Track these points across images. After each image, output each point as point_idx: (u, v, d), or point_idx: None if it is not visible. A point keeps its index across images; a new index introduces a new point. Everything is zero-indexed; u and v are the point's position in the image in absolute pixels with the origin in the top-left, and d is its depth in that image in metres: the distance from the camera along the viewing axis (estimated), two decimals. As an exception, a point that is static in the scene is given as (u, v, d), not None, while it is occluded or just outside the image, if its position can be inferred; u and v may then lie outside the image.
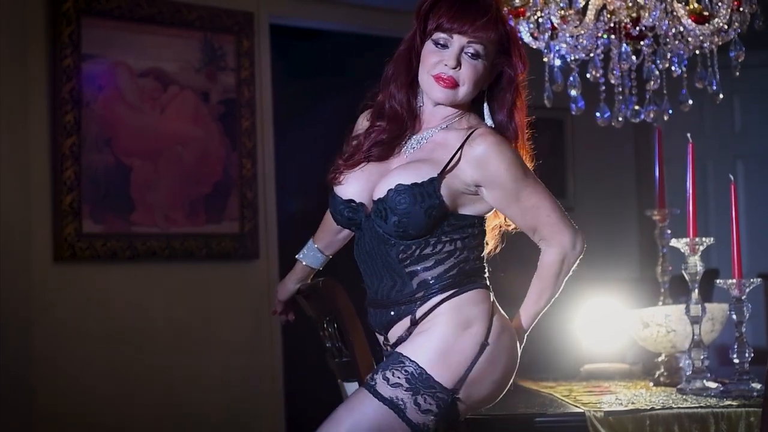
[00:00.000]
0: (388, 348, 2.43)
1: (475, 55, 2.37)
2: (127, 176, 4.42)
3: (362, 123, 2.55)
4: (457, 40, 2.37)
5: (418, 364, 2.28)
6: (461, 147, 2.36)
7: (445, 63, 2.37)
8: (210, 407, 4.59)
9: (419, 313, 2.36)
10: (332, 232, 2.74)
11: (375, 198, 2.37)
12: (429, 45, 2.40)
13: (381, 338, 2.46)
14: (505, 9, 3.11)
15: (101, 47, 4.38)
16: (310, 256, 2.78)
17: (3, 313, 4.04)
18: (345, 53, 5.83)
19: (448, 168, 2.35)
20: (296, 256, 2.81)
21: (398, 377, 2.28)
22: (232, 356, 4.67)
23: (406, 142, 2.45)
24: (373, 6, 5.18)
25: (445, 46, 2.38)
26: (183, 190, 4.58)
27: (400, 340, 2.38)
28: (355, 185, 2.43)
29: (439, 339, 2.31)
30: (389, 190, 2.33)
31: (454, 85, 2.38)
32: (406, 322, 2.38)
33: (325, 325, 2.81)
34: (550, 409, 2.62)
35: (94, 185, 4.32)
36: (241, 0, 4.82)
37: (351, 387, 2.79)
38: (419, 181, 2.33)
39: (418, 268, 2.35)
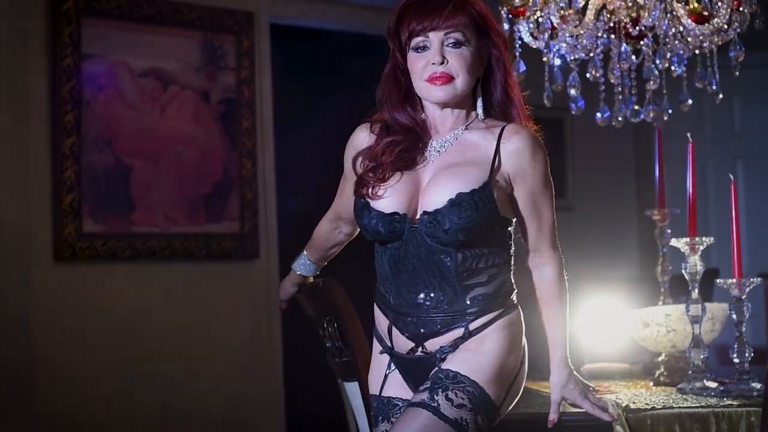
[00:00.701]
0: (420, 353, 2.38)
1: (457, 44, 2.36)
2: (127, 176, 4.42)
3: (365, 138, 2.49)
4: (434, 37, 2.35)
5: (478, 384, 2.30)
6: (498, 145, 2.36)
7: (432, 62, 2.35)
8: (210, 406, 4.59)
9: (472, 326, 2.35)
10: (323, 248, 2.80)
11: (429, 209, 2.33)
12: (411, 54, 2.38)
13: (409, 344, 2.40)
14: (505, 8, 3.12)
15: (101, 47, 4.38)
16: (304, 266, 2.84)
17: (3, 313, 4.05)
18: (345, 53, 5.83)
19: (495, 169, 2.35)
20: (291, 265, 2.86)
21: (462, 398, 2.28)
22: (232, 356, 4.67)
23: (426, 149, 2.42)
24: (374, 6, 5.18)
25: (425, 48, 2.36)
26: (183, 189, 4.58)
27: (442, 351, 2.36)
28: (397, 197, 2.37)
29: (495, 358, 2.33)
30: (449, 200, 2.31)
31: (449, 79, 2.36)
32: (454, 334, 2.35)
33: (325, 325, 2.81)
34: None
35: (94, 185, 4.32)
36: (241, 0, 4.82)
37: (351, 387, 2.79)
38: (476, 187, 2.32)
39: (473, 282, 2.35)
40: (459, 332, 2.35)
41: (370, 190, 2.38)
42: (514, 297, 2.43)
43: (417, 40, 2.36)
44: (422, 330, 2.36)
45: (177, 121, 4.58)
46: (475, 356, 2.33)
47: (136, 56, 4.48)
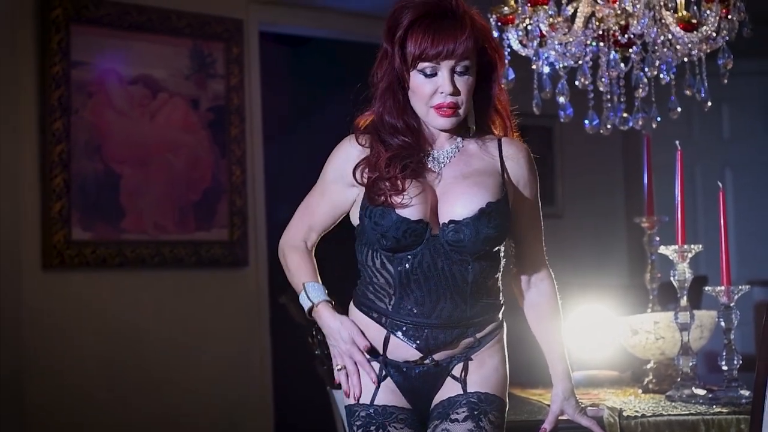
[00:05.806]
0: (429, 363, 2.36)
1: (465, 70, 2.30)
2: (116, 183, 4.42)
3: (355, 151, 2.39)
4: (445, 65, 2.28)
5: (501, 399, 2.37)
6: (501, 158, 2.38)
7: (441, 91, 2.29)
8: (200, 413, 4.58)
9: (479, 335, 2.37)
10: (312, 263, 2.54)
11: (457, 218, 2.29)
12: (417, 75, 2.30)
13: (410, 355, 2.35)
14: (495, 16, 3.13)
15: (90, 54, 4.38)
16: (321, 290, 2.47)
17: (-9, 320, 4.04)
18: (334, 60, 5.84)
19: (506, 181, 2.36)
20: (313, 303, 2.44)
21: (498, 417, 2.34)
22: (221, 362, 4.67)
23: (428, 159, 2.37)
24: (364, 13, 5.18)
25: (434, 73, 2.29)
26: (172, 197, 4.57)
27: (451, 357, 2.36)
28: (421, 205, 2.30)
29: (504, 371, 2.40)
30: (480, 209, 2.28)
31: (455, 109, 2.31)
32: (464, 344, 2.36)
33: (314, 332, 2.81)
34: (539, 416, 2.61)
35: (83, 192, 4.31)
36: (230, 7, 4.82)
37: (339, 394, 2.78)
38: (500, 197, 2.32)
39: (481, 293, 2.35)
40: (468, 341, 2.36)
41: (390, 198, 2.29)
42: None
43: (427, 65, 2.28)
44: (432, 341, 2.33)
45: (166, 128, 4.58)
46: (492, 372, 2.37)
47: (125, 64, 4.48)
